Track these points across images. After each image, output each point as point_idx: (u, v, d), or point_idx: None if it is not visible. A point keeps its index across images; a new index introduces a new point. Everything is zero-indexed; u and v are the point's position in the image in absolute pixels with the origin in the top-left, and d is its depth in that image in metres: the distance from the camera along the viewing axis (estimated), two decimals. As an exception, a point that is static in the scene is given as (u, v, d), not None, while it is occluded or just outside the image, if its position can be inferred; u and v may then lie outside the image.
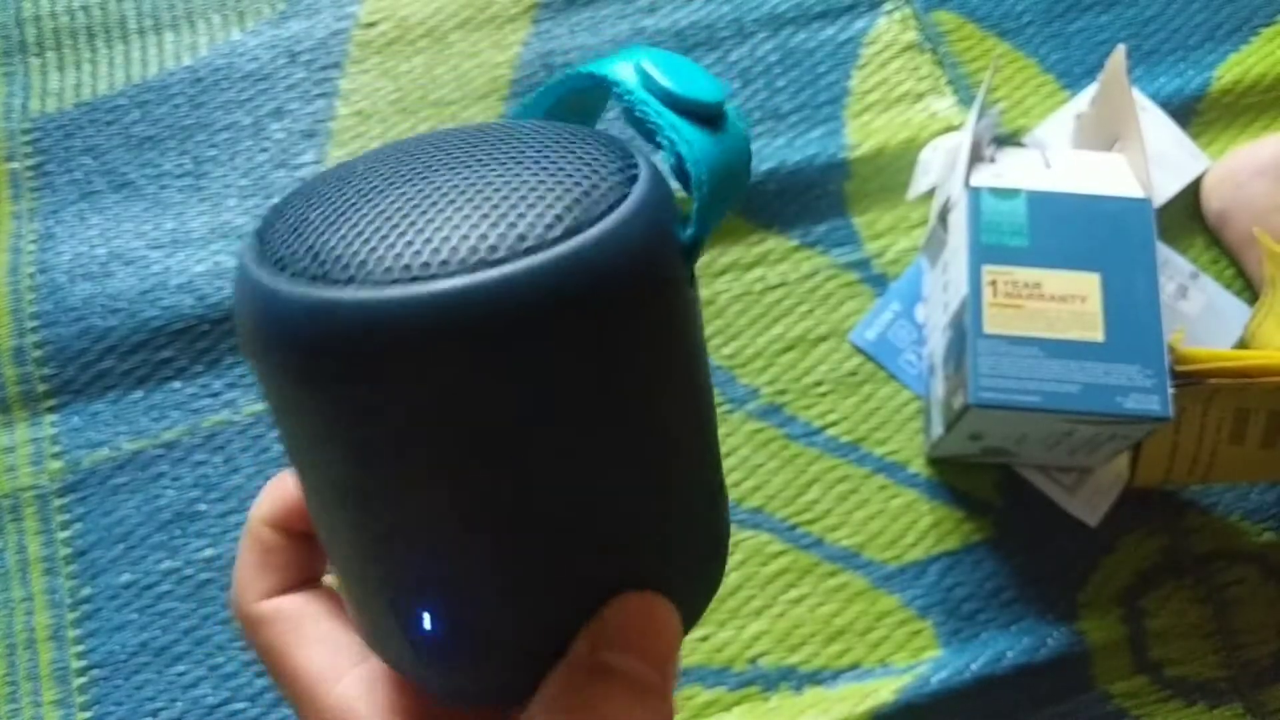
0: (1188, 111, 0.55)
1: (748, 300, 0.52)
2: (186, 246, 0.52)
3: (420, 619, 0.16)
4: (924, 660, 0.46)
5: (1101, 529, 0.48)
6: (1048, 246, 0.43)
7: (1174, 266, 0.52)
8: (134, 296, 0.51)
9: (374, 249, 0.14)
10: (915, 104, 0.56)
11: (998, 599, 0.47)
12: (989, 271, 0.43)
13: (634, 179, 0.16)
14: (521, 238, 0.14)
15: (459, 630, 0.16)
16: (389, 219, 0.14)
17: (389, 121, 0.55)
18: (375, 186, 0.15)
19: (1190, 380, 0.41)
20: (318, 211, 0.15)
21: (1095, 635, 0.46)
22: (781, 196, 0.53)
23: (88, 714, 0.45)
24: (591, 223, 0.14)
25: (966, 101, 0.55)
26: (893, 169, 0.54)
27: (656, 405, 0.16)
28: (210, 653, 0.46)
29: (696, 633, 0.47)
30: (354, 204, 0.15)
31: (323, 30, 0.57)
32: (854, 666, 0.46)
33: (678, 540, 0.17)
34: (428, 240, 0.14)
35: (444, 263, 0.13)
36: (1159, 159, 0.53)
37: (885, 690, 0.45)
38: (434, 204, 0.14)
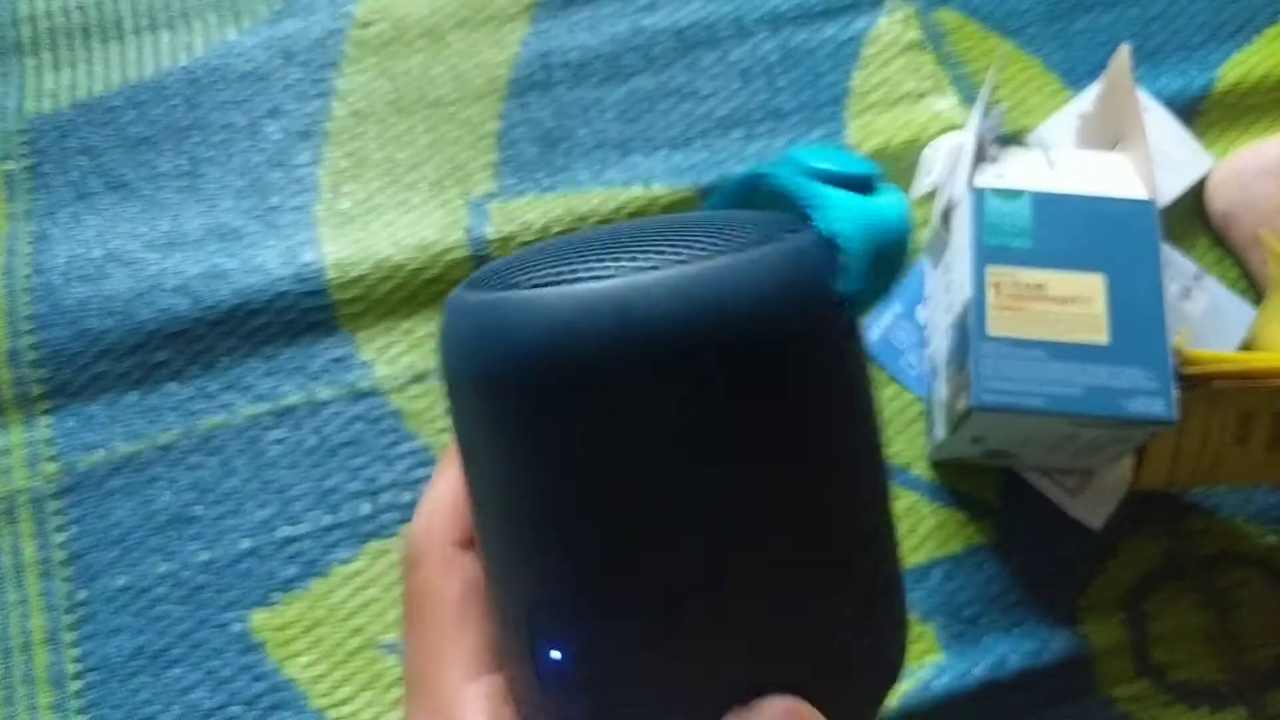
0: (1191, 111, 0.55)
1: (748, 301, 0.52)
2: (182, 248, 0.52)
3: (548, 651, 0.16)
4: (926, 664, 0.46)
5: (1104, 532, 0.48)
6: (1051, 248, 0.43)
7: (1178, 267, 0.51)
8: (129, 298, 0.51)
9: (547, 277, 0.16)
10: (917, 104, 0.55)
11: (1000, 602, 0.47)
12: (992, 273, 0.42)
13: (794, 230, 0.17)
14: (668, 260, 0.16)
15: (581, 677, 0.16)
16: (572, 270, 0.16)
17: (386, 122, 0.55)
18: (567, 259, 0.17)
19: (1195, 382, 0.41)
20: (515, 268, 0.17)
21: (1098, 639, 0.46)
22: (782, 197, 0.53)
23: (83, 718, 0.45)
24: (736, 250, 0.16)
25: (969, 101, 0.55)
26: (894, 169, 0.54)
27: (811, 458, 0.16)
28: (206, 656, 0.45)
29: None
30: (546, 265, 0.17)
31: (319, 30, 0.57)
32: (855, 671, 0.46)
33: (835, 641, 0.17)
34: (589, 268, 0.16)
35: (598, 276, 0.16)
36: (1163, 159, 0.53)
37: (887, 695, 0.45)
38: (606, 248, 0.17)
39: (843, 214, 0.17)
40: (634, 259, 0.16)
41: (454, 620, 0.18)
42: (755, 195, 0.20)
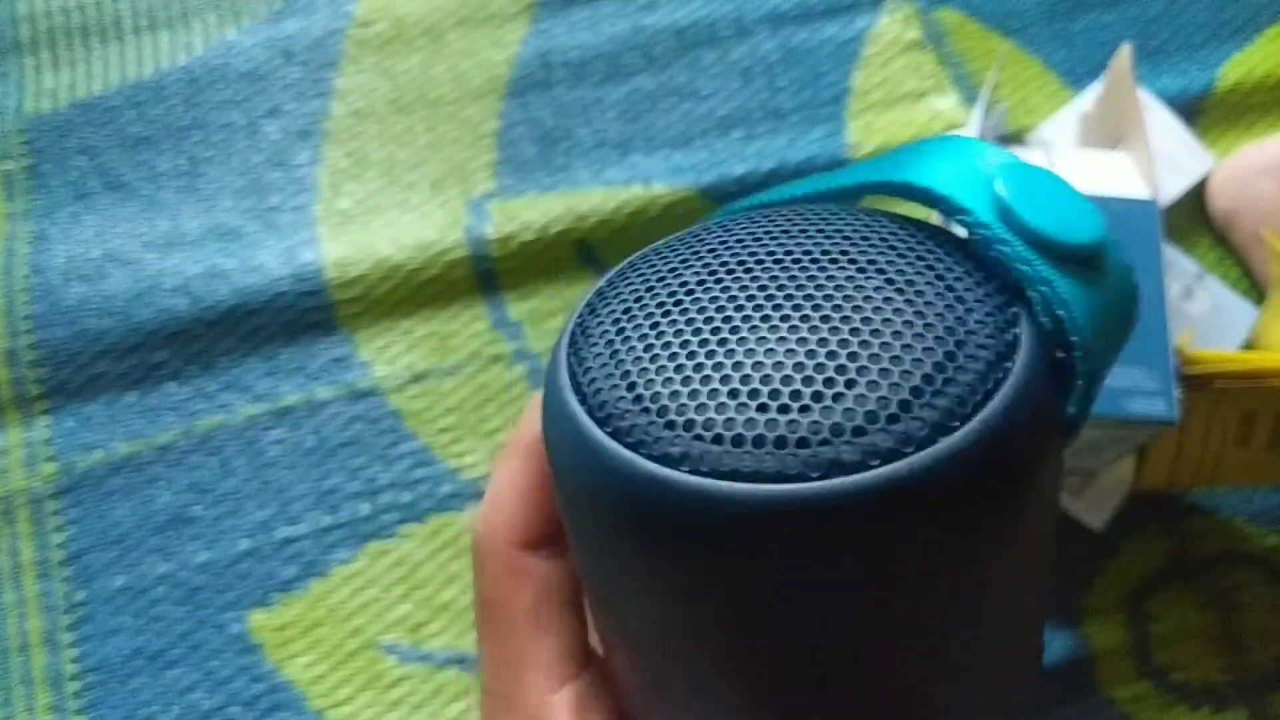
0: (1192, 111, 0.55)
1: (748, 301, 0.52)
2: (181, 248, 0.52)
3: None
4: (927, 666, 0.45)
5: (1106, 532, 0.48)
6: (1052, 247, 0.43)
7: (1179, 267, 0.51)
8: (128, 298, 0.51)
9: (706, 422, 0.12)
10: (918, 103, 0.55)
11: (1001, 604, 0.47)
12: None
13: (1015, 338, 0.13)
14: (877, 433, 0.12)
15: None
16: (719, 369, 0.12)
17: (386, 121, 0.55)
18: (695, 318, 0.13)
19: (1197, 383, 0.41)
20: (634, 346, 0.13)
21: (1099, 640, 0.46)
22: (782, 196, 0.53)
23: (82, 718, 0.44)
24: (964, 416, 0.12)
25: (970, 100, 0.55)
26: (895, 169, 0.54)
27: (998, 607, 0.14)
28: (205, 658, 0.45)
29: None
30: (672, 342, 0.13)
31: (319, 29, 0.57)
32: (856, 672, 0.45)
33: None
34: (767, 421, 0.12)
35: (778, 468, 0.12)
36: (1164, 158, 0.52)
37: (887, 696, 0.44)
38: (768, 353, 0.12)
39: (1080, 316, 0.13)
40: (837, 405, 0.12)
41: (529, 631, 0.18)
42: (909, 204, 0.15)
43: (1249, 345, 0.50)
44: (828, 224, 0.14)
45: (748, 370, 0.12)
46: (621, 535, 0.13)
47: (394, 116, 0.55)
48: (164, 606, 0.46)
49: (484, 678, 0.18)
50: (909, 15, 0.57)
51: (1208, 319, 0.50)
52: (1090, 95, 0.54)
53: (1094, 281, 0.13)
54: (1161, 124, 0.54)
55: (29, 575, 0.47)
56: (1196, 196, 0.53)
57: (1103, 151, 0.48)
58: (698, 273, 0.14)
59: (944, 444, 0.12)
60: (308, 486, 0.48)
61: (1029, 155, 0.47)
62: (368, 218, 0.53)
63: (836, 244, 0.14)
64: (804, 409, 0.12)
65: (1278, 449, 0.44)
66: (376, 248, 0.52)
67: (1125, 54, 0.46)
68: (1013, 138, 0.54)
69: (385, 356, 0.50)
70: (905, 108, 0.55)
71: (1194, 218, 0.53)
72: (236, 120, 0.55)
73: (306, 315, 0.51)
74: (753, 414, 0.12)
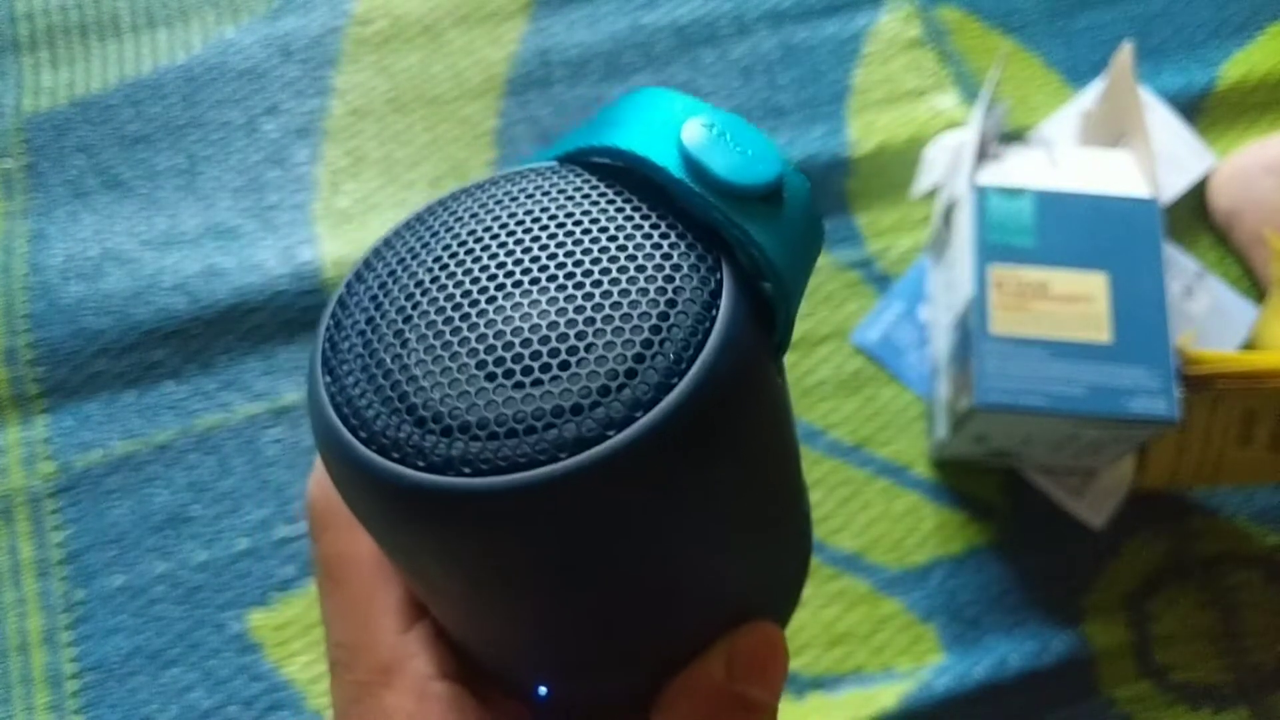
0: (1194, 109, 0.55)
1: (748, 300, 0.52)
2: (180, 246, 0.52)
3: (535, 688, 0.17)
4: (927, 664, 0.45)
5: (1107, 532, 0.47)
6: (1055, 246, 0.43)
7: (1180, 266, 0.51)
8: (127, 297, 0.51)
9: (461, 433, 0.13)
10: (918, 101, 0.55)
11: (1002, 603, 0.47)
12: (995, 271, 0.42)
13: (718, 284, 0.14)
14: (590, 424, 0.13)
15: (571, 691, 0.18)
16: (461, 378, 0.13)
17: (384, 120, 0.55)
18: (439, 323, 0.14)
19: (1198, 383, 0.41)
20: (385, 358, 0.14)
21: (1100, 639, 0.46)
22: (782, 195, 0.53)
23: (81, 718, 0.44)
24: (680, 372, 0.13)
25: (970, 98, 0.55)
26: (896, 167, 0.54)
27: (757, 493, 0.16)
28: (204, 657, 0.45)
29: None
30: (420, 353, 0.14)
31: (317, 27, 0.57)
32: (856, 671, 0.45)
33: (782, 578, 0.19)
34: (506, 430, 0.13)
35: (521, 458, 0.13)
36: (1165, 157, 0.52)
37: (888, 695, 0.44)
38: (500, 361, 0.13)
39: (771, 251, 0.14)
40: (537, 418, 0.13)
41: (374, 579, 0.18)
42: (615, 173, 0.15)
43: (1249, 345, 0.50)
44: (545, 192, 0.15)
45: (483, 353, 0.13)
46: (383, 524, 0.14)
47: (393, 115, 0.55)
48: (163, 606, 0.46)
49: (331, 631, 0.18)
50: (909, 13, 0.57)
51: (1208, 318, 0.50)
52: (1091, 93, 0.54)
53: (778, 215, 0.15)
54: (1162, 122, 0.53)
55: (28, 574, 0.46)
56: (1197, 195, 0.53)
57: (1104, 150, 0.48)
58: (438, 256, 0.15)
59: (664, 403, 0.13)
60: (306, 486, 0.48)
61: (1030, 153, 0.47)
62: (366, 216, 0.53)
63: (562, 207, 0.15)
64: (536, 383, 0.13)
65: (1278, 449, 0.44)
66: (375, 246, 0.52)
67: (1126, 52, 0.46)
68: (1013, 136, 0.54)
69: (384, 355, 0.50)
70: (906, 106, 0.55)
71: (1195, 216, 0.53)
72: (235, 118, 0.55)
73: (305, 314, 0.50)
74: (492, 397, 0.13)
